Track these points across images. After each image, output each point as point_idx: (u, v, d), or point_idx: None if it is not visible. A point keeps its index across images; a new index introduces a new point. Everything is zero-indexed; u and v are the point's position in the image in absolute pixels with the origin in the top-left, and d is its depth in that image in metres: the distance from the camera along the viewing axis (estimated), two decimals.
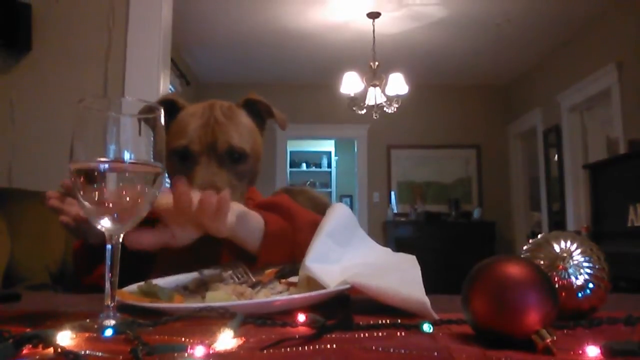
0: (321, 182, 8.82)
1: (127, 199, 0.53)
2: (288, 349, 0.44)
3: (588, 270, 0.57)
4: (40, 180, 2.12)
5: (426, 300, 0.60)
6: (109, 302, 0.52)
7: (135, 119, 0.52)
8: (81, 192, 0.52)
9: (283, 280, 0.74)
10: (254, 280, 0.77)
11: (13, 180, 2.16)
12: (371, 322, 0.54)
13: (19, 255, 1.31)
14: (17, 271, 1.30)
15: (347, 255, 0.72)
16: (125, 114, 0.53)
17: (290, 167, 8.07)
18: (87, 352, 0.43)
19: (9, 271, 1.29)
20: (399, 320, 0.54)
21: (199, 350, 0.42)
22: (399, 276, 0.67)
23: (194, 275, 0.80)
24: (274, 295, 0.69)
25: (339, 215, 0.74)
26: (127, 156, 0.51)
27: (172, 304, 0.66)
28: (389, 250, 0.80)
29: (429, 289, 0.64)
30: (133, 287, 0.74)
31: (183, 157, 0.95)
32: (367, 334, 0.51)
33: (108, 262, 0.53)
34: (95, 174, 0.51)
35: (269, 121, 1.10)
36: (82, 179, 0.51)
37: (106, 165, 0.51)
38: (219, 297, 0.64)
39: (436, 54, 5.44)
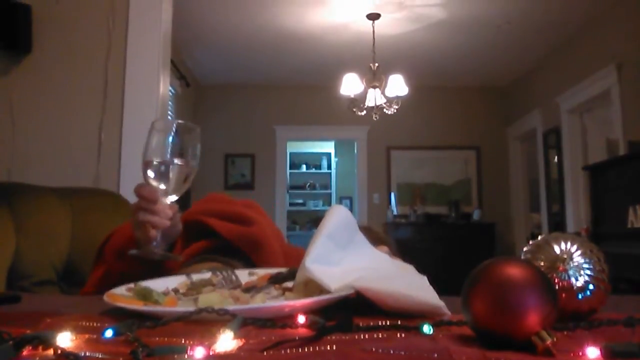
0: (321, 184, 8.80)
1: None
2: (288, 351, 0.44)
3: (588, 272, 0.57)
4: (40, 181, 2.12)
5: (442, 303, 0.61)
6: None
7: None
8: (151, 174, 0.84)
9: (277, 285, 0.74)
10: (243, 285, 0.77)
11: (12, 181, 2.16)
12: (371, 323, 0.54)
13: (25, 251, 1.30)
14: (22, 267, 1.29)
15: (348, 257, 0.71)
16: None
17: (290, 168, 8.08)
18: (87, 353, 0.43)
19: (14, 267, 1.28)
20: (399, 322, 0.54)
21: (199, 352, 0.42)
22: (407, 281, 0.66)
23: (182, 278, 0.80)
24: (270, 300, 0.69)
25: (338, 216, 0.72)
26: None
27: (173, 307, 0.66)
28: (386, 256, 0.79)
29: None
30: (121, 289, 0.73)
31: None
32: (367, 336, 0.51)
33: None
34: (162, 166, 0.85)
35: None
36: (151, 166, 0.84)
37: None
38: (213, 299, 0.64)
39: (436, 56, 5.44)
